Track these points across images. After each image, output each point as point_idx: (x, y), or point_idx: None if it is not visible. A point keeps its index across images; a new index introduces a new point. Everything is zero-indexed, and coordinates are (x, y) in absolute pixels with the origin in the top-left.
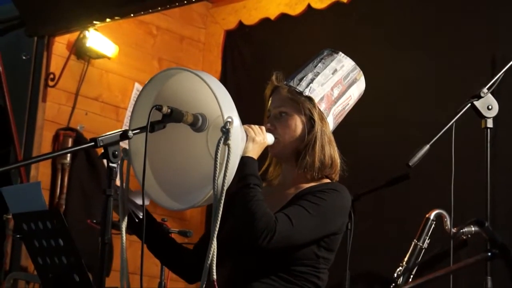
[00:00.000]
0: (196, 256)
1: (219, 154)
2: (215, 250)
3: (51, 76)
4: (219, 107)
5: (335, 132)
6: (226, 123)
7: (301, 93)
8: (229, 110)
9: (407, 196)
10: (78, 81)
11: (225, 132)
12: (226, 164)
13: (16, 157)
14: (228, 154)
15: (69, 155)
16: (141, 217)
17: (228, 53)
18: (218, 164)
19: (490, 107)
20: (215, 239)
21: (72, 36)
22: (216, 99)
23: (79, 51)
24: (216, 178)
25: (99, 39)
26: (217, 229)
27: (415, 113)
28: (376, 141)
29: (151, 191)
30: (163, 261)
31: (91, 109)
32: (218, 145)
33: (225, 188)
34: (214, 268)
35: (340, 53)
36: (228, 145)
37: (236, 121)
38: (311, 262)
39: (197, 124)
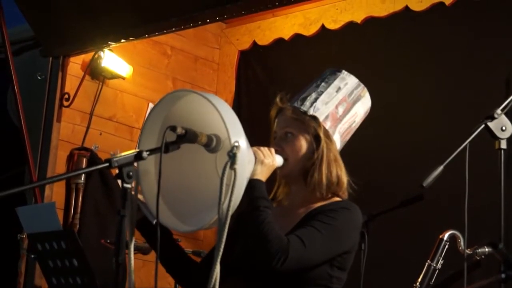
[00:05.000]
0: (202, 270)
1: (225, 179)
2: (218, 274)
3: (66, 96)
4: (226, 130)
5: (349, 152)
6: (232, 147)
7: (305, 112)
8: (236, 133)
9: (421, 217)
10: (93, 101)
11: (232, 156)
12: (232, 189)
13: (30, 177)
14: (234, 178)
15: (83, 175)
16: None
17: (242, 73)
18: (224, 188)
19: (504, 128)
20: (218, 264)
21: (86, 57)
22: (223, 122)
23: (93, 71)
24: (222, 202)
25: (113, 59)
26: (220, 253)
27: (429, 134)
28: (390, 162)
29: (159, 212)
30: (172, 272)
31: (105, 129)
32: (224, 170)
33: (231, 212)
34: None
35: (343, 71)
36: (235, 170)
37: (243, 145)
38: (324, 282)
39: (211, 144)
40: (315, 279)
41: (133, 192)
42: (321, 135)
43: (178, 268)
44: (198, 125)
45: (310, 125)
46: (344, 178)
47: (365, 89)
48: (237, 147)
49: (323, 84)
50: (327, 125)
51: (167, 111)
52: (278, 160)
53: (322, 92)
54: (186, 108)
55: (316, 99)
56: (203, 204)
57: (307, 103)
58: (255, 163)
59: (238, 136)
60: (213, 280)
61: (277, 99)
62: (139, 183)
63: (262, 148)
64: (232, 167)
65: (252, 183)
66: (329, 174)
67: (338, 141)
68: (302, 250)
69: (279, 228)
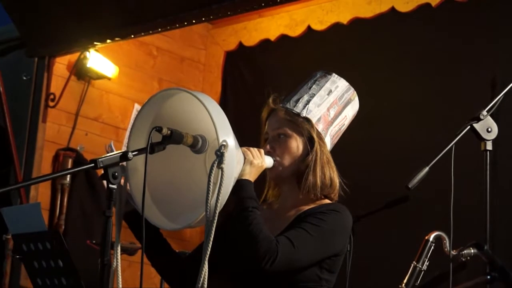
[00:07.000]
0: (188, 267)
1: (212, 177)
2: (206, 273)
3: (51, 96)
4: (215, 129)
5: (335, 153)
6: (220, 146)
7: (298, 114)
8: (225, 133)
9: (406, 218)
10: (78, 102)
11: (219, 155)
12: (219, 187)
13: (16, 177)
14: (222, 177)
15: (68, 175)
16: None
17: (228, 74)
18: (212, 186)
19: (489, 129)
20: (206, 263)
21: (72, 57)
22: (212, 121)
23: (79, 72)
24: (209, 201)
25: (99, 59)
26: (208, 252)
27: (415, 135)
28: (376, 163)
29: (146, 210)
30: (158, 267)
31: (91, 130)
32: (211, 168)
33: (218, 210)
34: None
35: (334, 74)
36: (222, 169)
37: (231, 144)
38: (313, 284)
39: (197, 145)
40: (304, 281)
41: (122, 183)
42: (315, 137)
43: (164, 263)
44: (187, 124)
45: (303, 127)
46: (337, 180)
47: (355, 92)
48: (225, 146)
49: (314, 86)
50: (320, 127)
51: (157, 110)
52: (268, 161)
53: (314, 95)
54: (176, 107)
55: (308, 101)
56: (190, 202)
57: (300, 105)
58: (244, 163)
59: (226, 136)
60: (201, 280)
61: (270, 100)
62: (128, 180)
63: (251, 148)
64: (219, 166)
65: (241, 183)
66: (323, 176)
67: (328, 143)
68: (291, 252)
69: (268, 229)
